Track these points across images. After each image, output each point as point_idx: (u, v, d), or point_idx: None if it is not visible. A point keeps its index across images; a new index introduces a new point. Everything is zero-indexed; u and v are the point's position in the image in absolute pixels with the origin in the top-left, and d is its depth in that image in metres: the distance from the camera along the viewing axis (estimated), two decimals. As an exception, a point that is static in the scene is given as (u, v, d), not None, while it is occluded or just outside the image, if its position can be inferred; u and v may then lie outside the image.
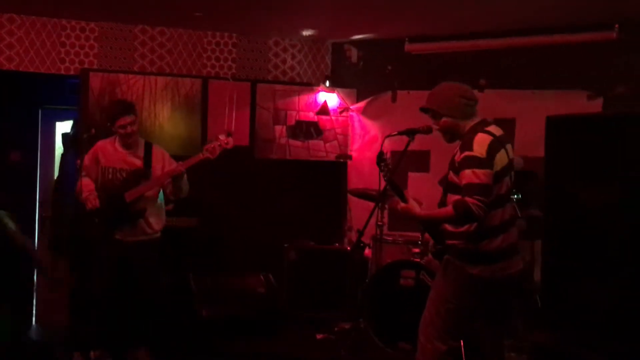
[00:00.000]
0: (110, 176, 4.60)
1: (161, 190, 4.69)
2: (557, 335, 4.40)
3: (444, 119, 3.49)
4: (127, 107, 4.64)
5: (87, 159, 4.65)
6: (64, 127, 6.61)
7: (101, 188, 4.59)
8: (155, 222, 4.66)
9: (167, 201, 4.85)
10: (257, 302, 5.52)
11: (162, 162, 4.65)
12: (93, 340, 4.61)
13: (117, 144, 4.65)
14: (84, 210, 4.54)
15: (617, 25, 5.35)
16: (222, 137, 4.52)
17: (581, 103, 5.52)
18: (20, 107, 6.39)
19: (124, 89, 5.97)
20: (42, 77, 5.96)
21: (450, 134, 3.51)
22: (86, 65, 5.97)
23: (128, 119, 4.52)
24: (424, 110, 3.59)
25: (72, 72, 5.96)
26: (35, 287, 6.19)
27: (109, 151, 4.65)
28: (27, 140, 6.46)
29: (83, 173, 4.63)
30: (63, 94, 6.39)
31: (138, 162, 4.59)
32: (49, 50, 5.89)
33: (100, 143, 4.74)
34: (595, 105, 5.52)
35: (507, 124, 3.61)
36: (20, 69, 5.81)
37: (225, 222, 6.07)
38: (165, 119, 6.08)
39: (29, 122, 6.52)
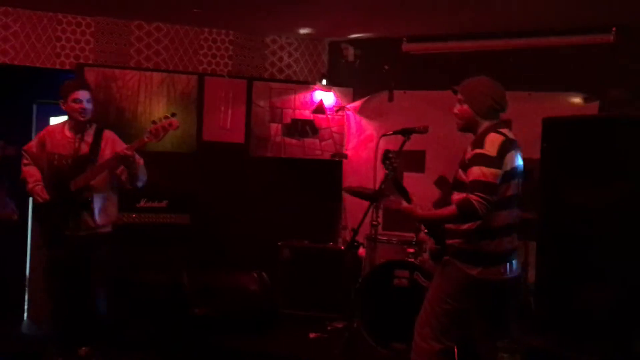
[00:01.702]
0: (55, 162, 4.29)
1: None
2: (551, 337, 4.39)
3: (465, 106, 3.49)
4: (83, 83, 4.41)
5: (33, 144, 4.43)
6: (58, 122, 6.58)
7: (47, 175, 4.32)
8: (102, 214, 4.33)
9: (126, 191, 4.50)
10: (251, 300, 5.51)
11: (112, 149, 4.31)
12: (82, 337, 4.53)
13: (66, 129, 4.34)
14: (34, 202, 4.32)
15: (614, 29, 5.36)
16: (165, 119, 4.22)
17: (577, 105, 5.53)
18: (14, 102, 6.36)
19: (119, 84, 5.94)
20: (36, 72, 5.93)
21: (463, 123, 3.52)
22: (82, 60, 5.94)
23: (85, 93, 4.26)
24: (454, 90, 3.57)
25: (67, 67, 5.94)
26: (27, 282, 6.16)
27: (56, 136, 4.35)
28: (21, 135, 6.41)
29: (26, 161, 4.41)
30: (58, 88, 6.36)
31: (85, 148, 4.28)
32: (45, 45, 5.86)
33: (49, 127, 4.50)
34: (592, 108, 5.52)
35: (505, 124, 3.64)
36: (15, 63, 5.79)
37: (219, 219, 6.04)
38: (161, 115, 6.04)
39: (23, 117, 6.48)
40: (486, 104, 3.46)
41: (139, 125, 5.92)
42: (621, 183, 4.20)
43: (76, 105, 4.25)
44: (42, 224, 4.39)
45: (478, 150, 3.32)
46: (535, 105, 5.56)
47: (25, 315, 6.11)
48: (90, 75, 5.85)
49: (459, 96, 3.53)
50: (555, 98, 5.60)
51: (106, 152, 4.31)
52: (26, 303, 6.16)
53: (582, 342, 4.18)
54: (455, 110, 3.55)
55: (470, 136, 3.53)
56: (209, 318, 5.25)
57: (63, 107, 4.32)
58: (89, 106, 4.28)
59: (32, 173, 4.37)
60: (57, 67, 5.91)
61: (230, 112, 6.27)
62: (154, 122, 4.20)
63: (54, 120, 6.62)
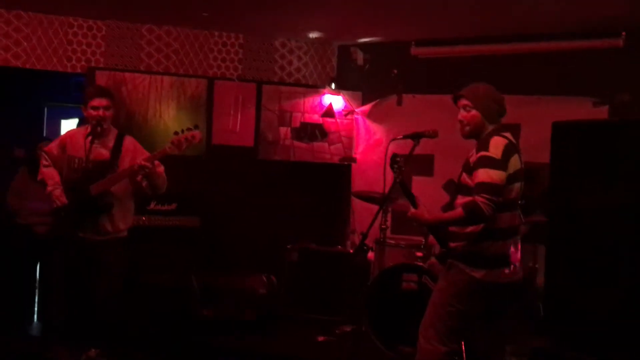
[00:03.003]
0: (75, 166, 4.32)
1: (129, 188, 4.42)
2: (559, 341, 4.38)
3: (474, 112, 3.49)
4: (102, 91, 4.43)
5: (54, 146, 4.45)
6: (69, 125, 6.63)
7: (66, 178, 4.34)
8: (121, 220, 4.38)
9: (148, 197, 4.55)
10: (258, 302, 5.52)
11: (133, 155, 4.32)
12: (91, 338, 4.53)
13: (87, 133, 4.31)
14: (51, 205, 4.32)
15: (624, 33, 5.35)
16: (187, 131, 4.17)
17: (587, 110, 5.52)
18: (26, 104, 6.41)
19: (129, 87, 5.98)
20: (48, 75, 5.97)
21: (472, 129, 3.51)
22: (93, 64, 5.98)
23: (102, 101, 4.26)
24: (456, 97, 3.57)
25: (78, 70, 5.98)
26: (37, 284, 6.20)
27: (77, 140, 4.35)
28: (33, 137, 6.46)
29: (45, 162, 4.43)
30: (69, 91, 6.41)
31: (105, 154, 4.31)
32: (56, 48, 5.90)
33: (70, 131, 4.54)
34: (601, 112, 5.51)
35: (512, 130, 3.62)
36: (27, 66, 5.82)
37: (227, 222, 6.06)
38: (171, 119, 6.09)
39: (34, 119, 6.53)
40: (493, 108, 3.50)
41: (149, 128, 5.96)
42: (630, 187, 4.19)
43: (93, 112, 4.28)
44: (57, 226, 4.40)
45: (483, 153, 3.35)
46: (545, 109, 5.56)
47: (35, 317, 6.14)
48: (101, 78, 5.89)
49: (464, 102, 3.52)
50: (565, 102, 5.59)
51: (126, 159, 4.33)
52: (36, 305, 6.20)
53: (591, 345, 4.17)
54: (462, 117, 3.54)
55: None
56: (217, 320, 5.27)
57: (84, 113, 4.37)
58: (106, 113, 4.30)
59: (51, 175, 4.39)
60: (68, 70, 5.95)
61: (239, 115, 6.30)
62: (176, 133, 4.18)
63: (65, 123, 6.68)
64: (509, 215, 3.42)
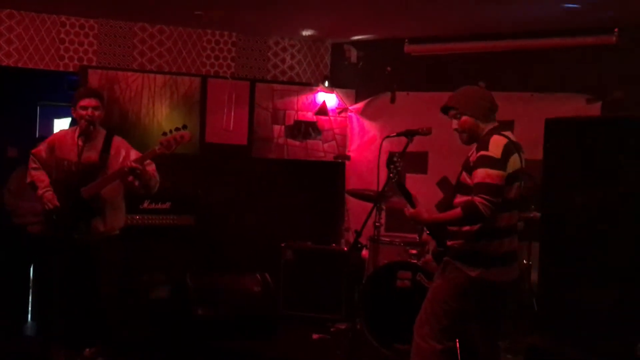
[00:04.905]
0: (65, 168, 4.31)
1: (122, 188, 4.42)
2: (554, 337, 4.39)
3: (464, 117, 3.50)
4: (91, 91, 4.44)
5: (42, 149, 4.43)
6: (62, 124, 6.61)
7: (56, 181, 4.33)
8: (113, 221, 4.39)
9: (140, 196, 4.59)
10: (254, 301, 5.51)
11: (122, 157, 4.32)
12: (86, 338, 4.53)
13: (76, 135, 4.31)
14: (42, 207, 4.32)
15: (616, 30, 5.35)
16: (176, 131, 4.17)
17: (580, 107, 5.52)
18: (18, 103, 6.38)
19: (122, 86, 5.96)
20: (40, 74, 5.94)
21: (468, 134, 3.52)
22: (85, 62, 5.96)
23: (91, 101, 4.26)
24: (444, 109, 3.59)
25: (71, 69, 5.95)
26: (31, 284, 6.18)
27: (66, 142, 4.35)
28: (25, 137, 6.45)
29: (34, 165, 4.42)
30: (61, 90, 6.39)
31: (94, 156, 4.29)
32: (48, 47, 5.87)
33: (59, 133, 4.53)
34: (594, 109, 5.51)
35: (506, 127, 3.63)
36: (19, 65, 5.80)
37: (222, 221, 6.06)
38: (164, 117, 6.07)
39: (27, 118, 6.51)
40: (483, 107, 3.50)
41: (142, 126, 5.94)
42: (624, 184, 4.20)
43: (82, 112, 4.27)
44: (50, 227, 4.39)
45: (483, 152, 3.34)
46: (538, 106, 5.56)
47: (29, 316, 6.13)
48: (94, 77, 5.86)
49: (453, 111, 3.54)
50: (558, 99, 5.60)
51: (116, 159, 4.32)
52: (30, 304, 6.18)
53: (585, 342, 4.18)
54: (455, 126, 3.55)
55: None
56: (212, 319, 5.25)
57: (73, 114, 4.37)
58: (95, 114, 4.29)
59: (41, 178, 4.38)
60: (61, 69, 5.92)
61: (233, 113, 6.29)
62: (164, 134, 4.18)
63: (58, 122, 6.66)
64: (508, 215, 3.42)
